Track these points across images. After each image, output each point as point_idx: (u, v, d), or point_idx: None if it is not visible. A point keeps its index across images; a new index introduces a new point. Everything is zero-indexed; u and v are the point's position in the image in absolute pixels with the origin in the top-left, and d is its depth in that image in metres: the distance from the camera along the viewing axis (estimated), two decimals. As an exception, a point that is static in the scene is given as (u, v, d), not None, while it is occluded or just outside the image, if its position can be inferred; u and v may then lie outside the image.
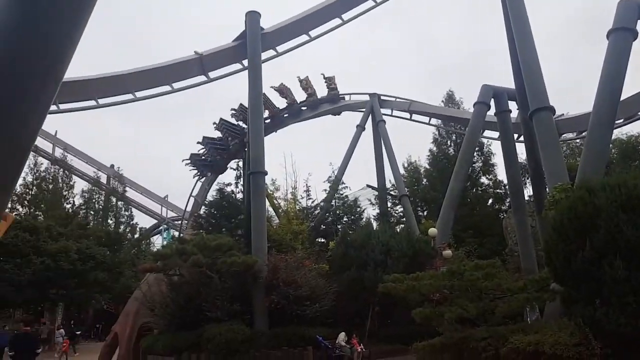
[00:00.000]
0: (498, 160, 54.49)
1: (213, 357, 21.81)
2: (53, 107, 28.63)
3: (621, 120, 34.86)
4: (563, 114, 39.83)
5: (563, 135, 40.51)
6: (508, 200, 46.92)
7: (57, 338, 38.42)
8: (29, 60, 5.01)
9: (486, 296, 16.80)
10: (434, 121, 51.41)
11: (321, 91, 49.56)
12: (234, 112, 46.95)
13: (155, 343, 24.67)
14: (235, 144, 46.32)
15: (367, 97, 49.48)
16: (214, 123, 47.65)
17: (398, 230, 35.46)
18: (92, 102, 31.14)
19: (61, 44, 5.22)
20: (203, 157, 48.16)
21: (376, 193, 49.25)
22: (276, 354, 22.36)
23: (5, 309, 49.54)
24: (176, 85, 33.47)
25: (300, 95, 49.02)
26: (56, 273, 38.97)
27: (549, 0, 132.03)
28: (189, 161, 48.25)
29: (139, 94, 32.47)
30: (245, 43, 32.02)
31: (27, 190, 54.62)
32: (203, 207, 42.36)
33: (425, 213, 51.59)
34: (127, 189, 67.07)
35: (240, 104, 46.61)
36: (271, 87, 47.43)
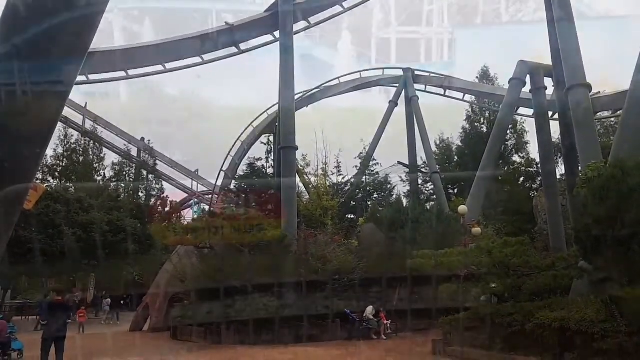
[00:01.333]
0: (531, 138, 53.77)
1: (242, 329, 22.04)
2: (82, 78, 28.78)
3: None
4: (599, 92, 39.07)
5: (598, 114, 39.80)
6: (539, 179, 46.29)
7: (104, 307, 40.19)
8: (59, 23, 5.06)
9: (514, 273, 16.74)
10: (467, 97, 50.72)
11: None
12: None
13: (185, 314, 25.00)
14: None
15: (400, 72, 49.02)
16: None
17: (428, 207, 35.29)
18: (122, 73, 31.23)
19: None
20: None
21: (407, 170, 48.99)
22: (305, 326, 22.58)
23: (37, 279, 50.48)
24: (206, 57, 33.21)
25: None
26: (87, 244, 39.56)
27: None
28: None
29: (168, 66, 32.40)
30: (277, 13, 31.57)
31: (58, 162, 54.98)
32: (233, 181, 42.72)
33: (455, 191, 51.16)
34: (157, 162, 67.24)
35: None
36: None
